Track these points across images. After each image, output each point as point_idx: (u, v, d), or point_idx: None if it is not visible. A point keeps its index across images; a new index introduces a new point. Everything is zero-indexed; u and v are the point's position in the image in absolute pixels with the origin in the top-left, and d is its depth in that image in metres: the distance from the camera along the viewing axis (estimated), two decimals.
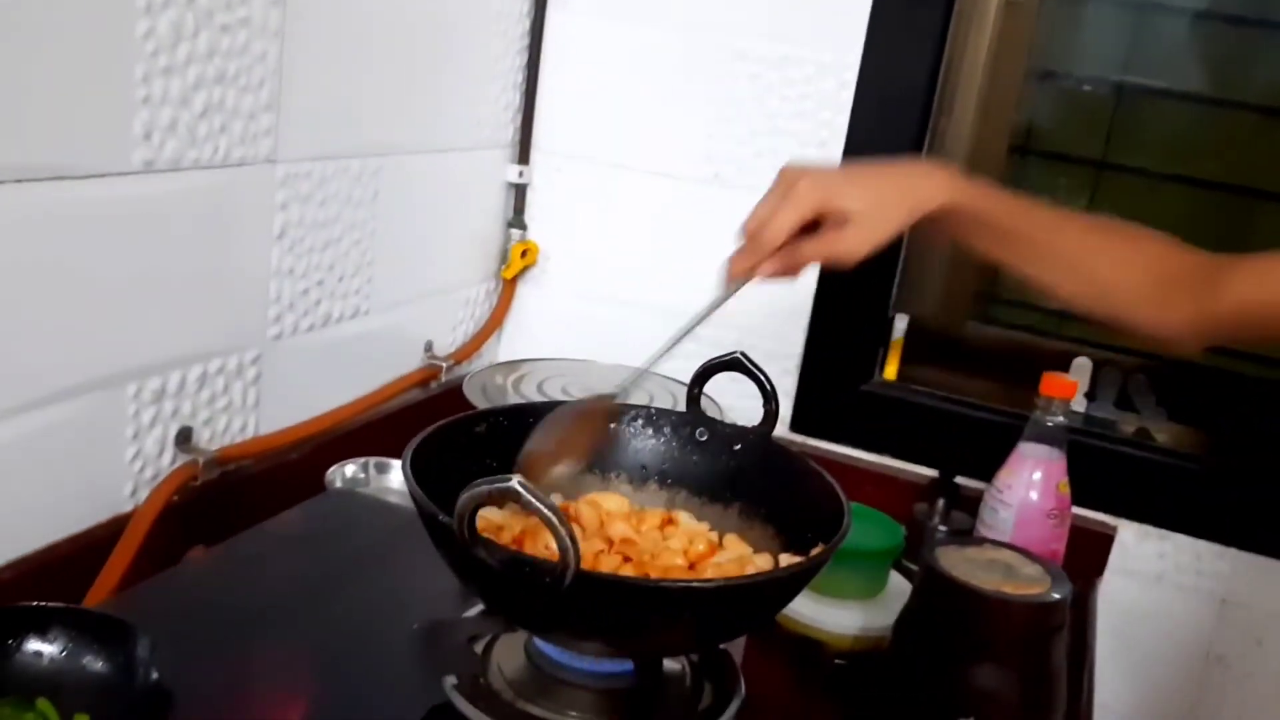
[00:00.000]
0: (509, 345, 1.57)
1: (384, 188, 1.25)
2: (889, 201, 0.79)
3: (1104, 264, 0.87)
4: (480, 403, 1.18)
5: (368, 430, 1.28)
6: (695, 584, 0.61)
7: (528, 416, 0.82)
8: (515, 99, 1.47)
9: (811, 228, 0.79)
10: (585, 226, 1.51)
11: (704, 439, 0.85)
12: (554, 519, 0.57)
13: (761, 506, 0.81)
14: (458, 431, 0.78)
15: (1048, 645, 0.82)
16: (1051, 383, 1.08)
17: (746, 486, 0.82)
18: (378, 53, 1.19)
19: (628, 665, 0.73)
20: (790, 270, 0.80)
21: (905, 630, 0.89)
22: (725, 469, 0.83)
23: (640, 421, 0.86)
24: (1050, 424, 1.09)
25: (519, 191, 1.51)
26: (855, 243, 0.78)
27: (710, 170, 1.43)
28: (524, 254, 1.50)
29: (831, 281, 1.38)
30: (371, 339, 1.29)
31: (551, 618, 0.62)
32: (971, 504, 1.18)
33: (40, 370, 0.88)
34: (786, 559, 0.73)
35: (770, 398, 0.82)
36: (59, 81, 0.84)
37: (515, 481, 0.57)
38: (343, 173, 1.18)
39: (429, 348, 1.41)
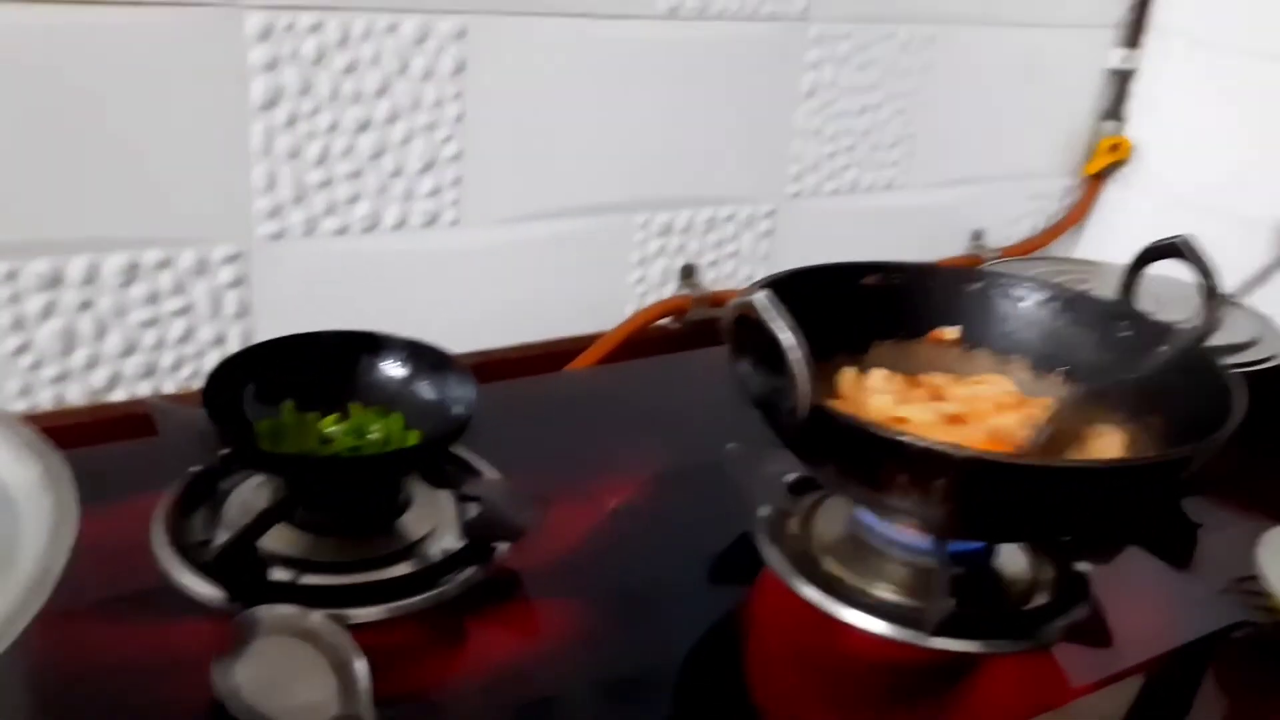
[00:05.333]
0: (1086, 249, 1.43)
1: (940, 59, 1.20)
2: None
3: None
4: None
5: None
6: (938, 445, 0.54)
7: (926, 278, 0.77)
8: None
9: None
10: (1198, 124, 1.30)
11: (1125, 334, 0.72)
12: (786, 343, 0.55)
13: (1166, 420, 0.67)
14: (837, 277, 0.76)
15: None
16: None
17: (1156, 398, 0.68)
18: None
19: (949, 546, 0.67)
20: None
21: None
22: (1141, 373, 0.70)
23: (1059, 304, 0.75)
24: None
25: (1121, 78, 1.34)
26: None
27: None
28: (1114, 149, 1.34)
29: None
30: (905, 214, 1.27)
31: (802, 449, 0.60)
32: None
33: (558, 188, 1.02)
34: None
35: (1212, 295, 0.67)
36: None
37: (761, 294, 0.56)
38: (887, 38, 1.16)
39: (978, 236, 1.34)
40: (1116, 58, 1.33)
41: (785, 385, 0.57)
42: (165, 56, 0.81)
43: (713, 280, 1.16)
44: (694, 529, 0.74)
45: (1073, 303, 0.75)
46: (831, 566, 0.69)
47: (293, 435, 0.67)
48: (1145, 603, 0.73)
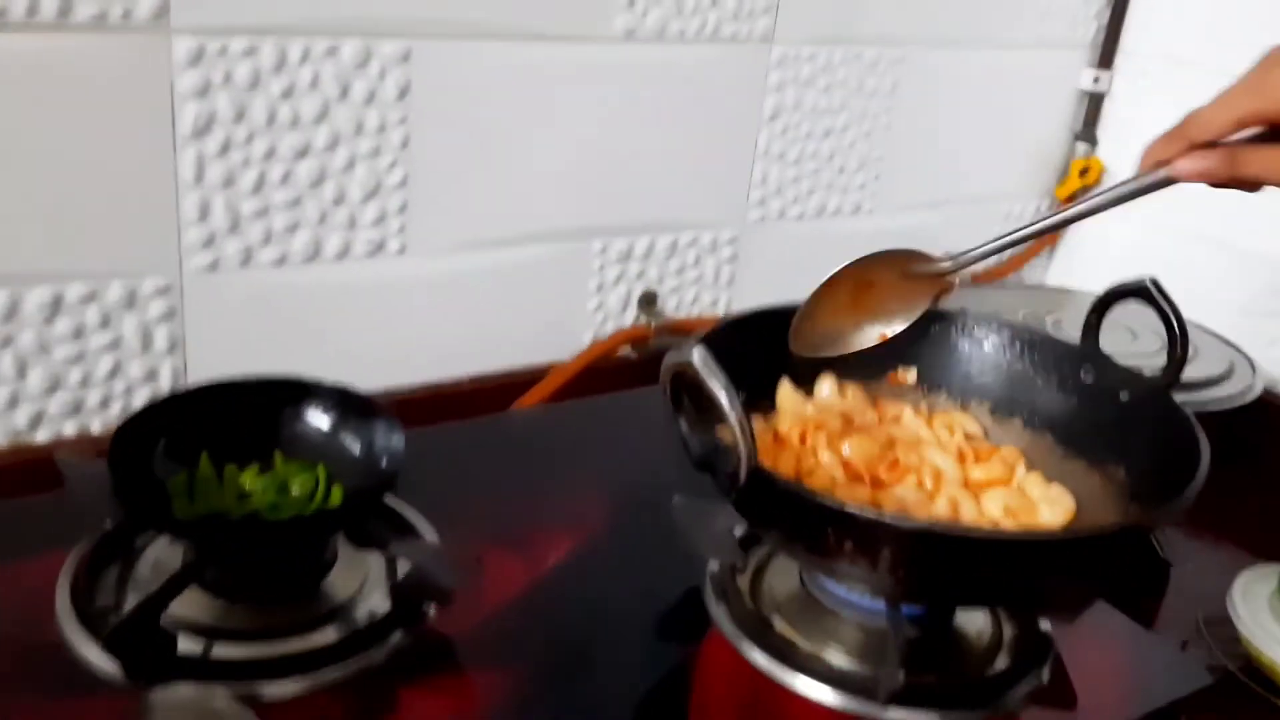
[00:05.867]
0: (1058, 274, 1.40)
1: (908, 80, 1.17)
2: None
3: None
4: None
5: None
6: (885, 516, 0.50)
7: None
8: None
9: None
10: None
11: (1088, 380, 0.69)
12: (725, 404, 0.51)
13: (1130, 473, 0.64)
14: (789, 319, 0.73)
15: None
16: None
17: (1118, 446, 0.65)
18: None
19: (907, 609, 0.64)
20: (1227, 180, 0.61)
21: None
22: (1102, 421, 0.67)
23: (1020, 345, 0.72)
24: None
25: (1093, 100, 1.32)
26: None
27: None
28: (1084, 172, 1.31)
29: None
30: (873, 239, 1.22)
31: (746, 512, 0.56)
32: None
33: (511, 214, 0.98)
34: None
35: (1177, 342, 0.64)
36: None
37: (694, 354, 0.52)
38: (854, 59, 1.13)
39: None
40: (1088, 79, 1.30)
41: (726, 446, 0.53)
42: (89, 84, 0.77)
43: (675, 307, 1.12)
44: (640, 584, 0.71)
45: (1035, 345, 0.72)
46: (782, 627, 0.65)
47: (209, 491, 0.63)
48: (1113, 661, 0.70)
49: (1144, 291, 0.65)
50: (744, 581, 0.68)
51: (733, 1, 1.02)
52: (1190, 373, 0.99)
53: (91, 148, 0.78)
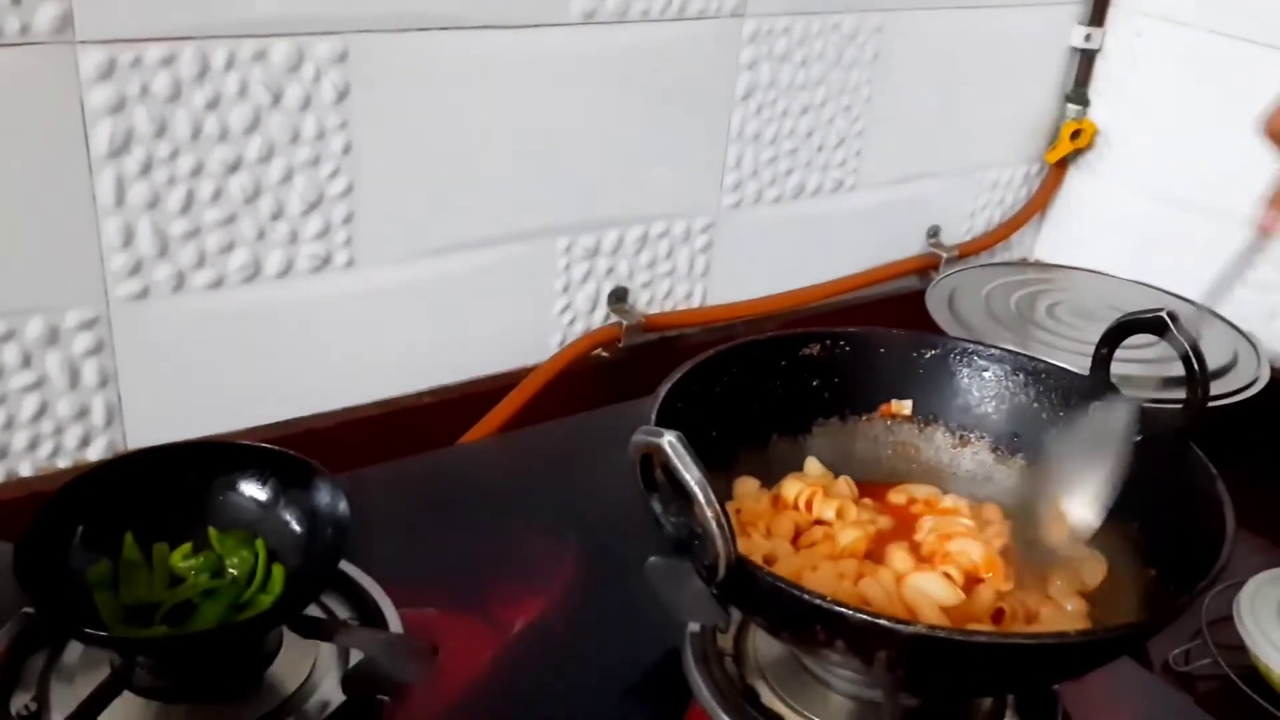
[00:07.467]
0: (1046, 243, 1.34)
1: (889, 48, 1.10)
2: None
3: None
4: (940, 312, 1.02)
5: (839, 317, 1.18)
6: (881, 620, 0.44)
7: (875, 346, 0.68)
8: None
9: None
10: (1165, 108, 1.21)
11: (1099, 414, 0.63)
12: (701, 495, 0.45)
13: (1145, 531, 0.59)
14: (773, 350, 0.66)
15: None
16: None
17: (1131, 498, 0.59)
18: None
19: None
20: None
21: None
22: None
23: (1023, 376, 0.66)
24: None
25: (1085, 59, 1.24)
26: None
27: None
28: (1075, 135, 1.25)
29: None
30: (856, 217, 1.17)
31: (726, 599, 0.51)
32: None
33: (468, 217, 0.91)
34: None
35: (1197, 383, 0.58)
36: None
37: (665, 440, 0.46)
38: (832, 30, 1.05)
39: (934, 233, 1.24)
40: (1079, 36, 1.23)
41: (702, 531, 0.48)
42: None
43: (647, 302, 1.06)
44: (614, 647, 0.66)
45: (1040, 375, 0.66)
46: (767, 696, 0.60)
47: (136, 578, 0.57)
48: (1126, 710, 0.66)
49: (1159, 324, 0.59)
50: (727, 642, 0.63)
51: None
52: None
53: None
